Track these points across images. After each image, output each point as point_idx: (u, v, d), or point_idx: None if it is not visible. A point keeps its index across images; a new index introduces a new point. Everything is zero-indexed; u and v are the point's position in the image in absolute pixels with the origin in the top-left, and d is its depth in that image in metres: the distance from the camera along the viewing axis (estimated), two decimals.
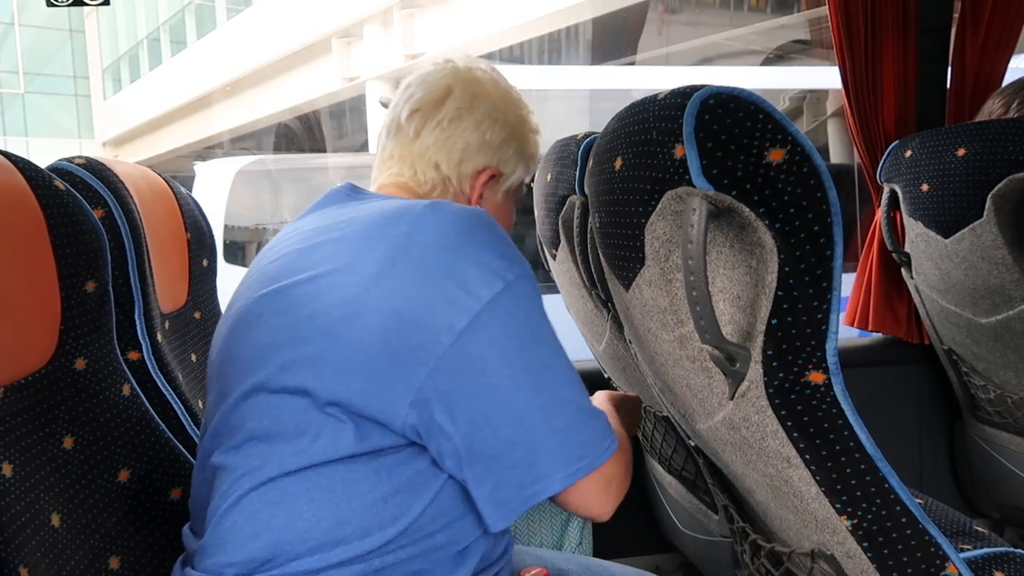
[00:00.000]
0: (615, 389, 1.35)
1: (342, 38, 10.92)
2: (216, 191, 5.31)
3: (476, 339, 0.68)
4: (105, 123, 19.67)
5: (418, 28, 9.82)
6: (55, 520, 0.76)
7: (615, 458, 0.75)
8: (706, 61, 8.95)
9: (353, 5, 10.47)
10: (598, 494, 0.74)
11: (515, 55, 10.00)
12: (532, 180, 1.15)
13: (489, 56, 9.86)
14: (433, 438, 0.69)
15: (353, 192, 0.88)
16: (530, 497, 0.71)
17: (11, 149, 0.82)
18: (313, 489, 0.70)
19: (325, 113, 13.15)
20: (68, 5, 1.54)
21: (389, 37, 10.18)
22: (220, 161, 5.92)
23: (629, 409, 1.06)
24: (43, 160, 1.01)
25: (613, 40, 9.42)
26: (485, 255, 0.70)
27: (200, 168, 5.70)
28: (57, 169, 1.01)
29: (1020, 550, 1.02)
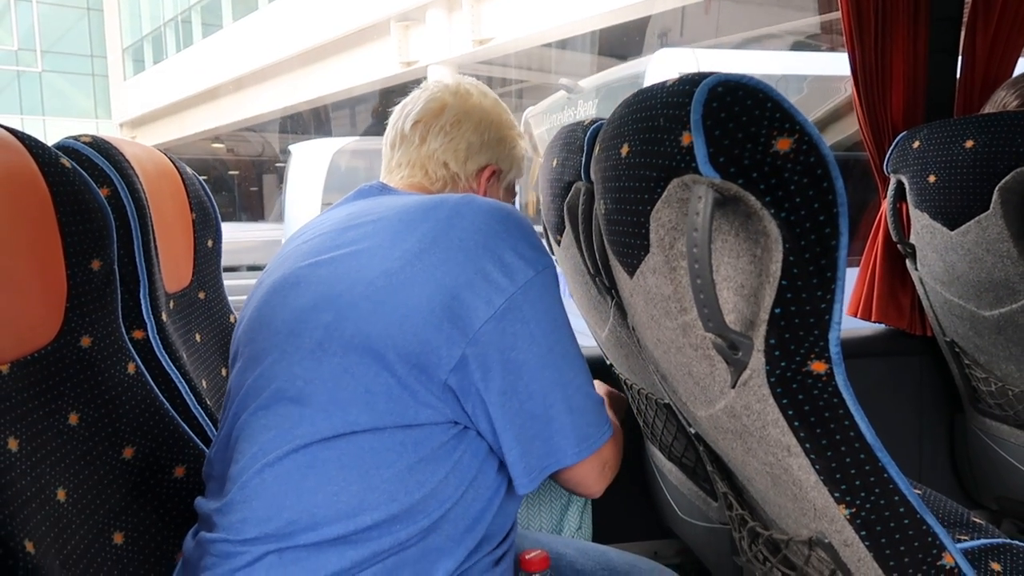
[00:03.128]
0: (617, 376, 1.36)
1: (401, 22, 10.80)
2: (314, 170, 5.36)
3: (510, 317, 0.75)
4: (124, 104, 19.53)
5: (485, 14, 9.74)
6: (61, 495, 0.77)
7: (610, 443, 0.84)
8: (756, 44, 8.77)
9: None
10: (595, 475, 0.83)
11: (567, 46, 10.13)
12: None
13: (547, 45, 9.98)
14: (470, 400, 0.76)
15: (384, 188, 0.97)
16: (547, 467, 0.80)
17: (28, 128, 0.82)
18: (344, 456, 0.74)
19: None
20: None
21: (454, 22, 10.07)
22: (315, 142, 5.99)
23: (618, 406, 1.16)
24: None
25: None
26: (520, 244, 0.78)
27: (296, 148, 5.74)
28: (64, 147, 1.01)
29: (1017, 541, 1.03)
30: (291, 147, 5.89)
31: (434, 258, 0.75)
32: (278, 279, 0.85)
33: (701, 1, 8.61)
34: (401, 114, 1.03)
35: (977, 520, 1.11)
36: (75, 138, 1.04)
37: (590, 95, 4.22)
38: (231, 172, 18.62)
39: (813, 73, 3.85)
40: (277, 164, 17.92)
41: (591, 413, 0.81)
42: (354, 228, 0.84)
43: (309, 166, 5.53)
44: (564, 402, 0.78)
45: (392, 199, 0.90)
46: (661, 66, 3.70)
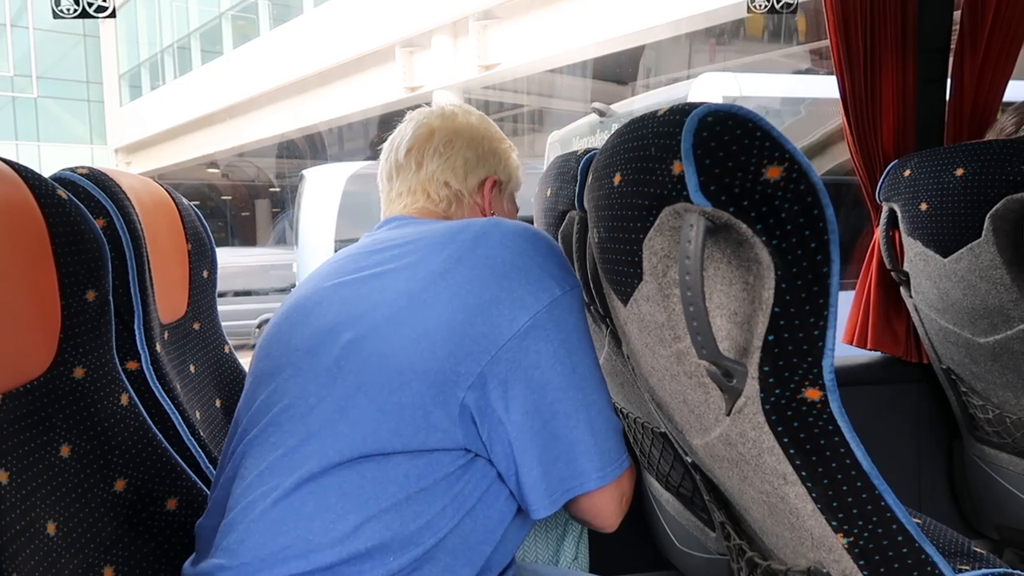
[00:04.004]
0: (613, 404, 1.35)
1: (405, 48, 10.98)
2: (329, 194, 5.40)
3: (534, 335, 0.75)
4: (120, 129, 19.62)
5: (491, 40, 9.94)
6: (51, 528, 0.76)
7: (629, 473, 0.83)
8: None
9: (419, 16, 10.56)
10: (614, 505, 0.82)
11: (573, 71, 10.28)
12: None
13: (554, 71, 10.24)
14: (487, 422, 0.75)
15: (410, 219, 0.97)
16: (569, 490, 0.78)
17: (23, 154, 0.83)
18: (346, 484, 0.73)
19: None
20: (75, 17, 1.55)
21: (460, 48, 10.28)
22: (329, 166, 6.05)
23: None
24: (56, 166, 1.03)
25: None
26: (547, 263, 0.78)
27: (309, 173, 5.79)
28: (60, 179, 1.02)
29: (1019, 572, 1.02)
30: (305, 172, 5.92)
31: (459, 276, 0.76)
32: (299, 298, 0.86)
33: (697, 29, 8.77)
34: (392, 147, 1.04)
35: (978, 550, 1.10)
36: (72, 169, 1.04)
37: (626, 119, 4.20)
38: (223, 197, 18.70)
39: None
40: (271, 189, 18.03)
41: (613, 438, 0.80)
42: (379, 252, 0.84)
43: (323, 190, 5.57)
44: (588, 424, 0.77)
45: (419, 226, 0.90)
46: (704, 89, 3.70)
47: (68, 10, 1.54)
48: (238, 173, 18.63)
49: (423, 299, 0.75)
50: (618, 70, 10.18)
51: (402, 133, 1.03)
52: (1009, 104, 1.58)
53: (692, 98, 3.69)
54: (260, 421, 0.79)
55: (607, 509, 0.81)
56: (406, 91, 11.19)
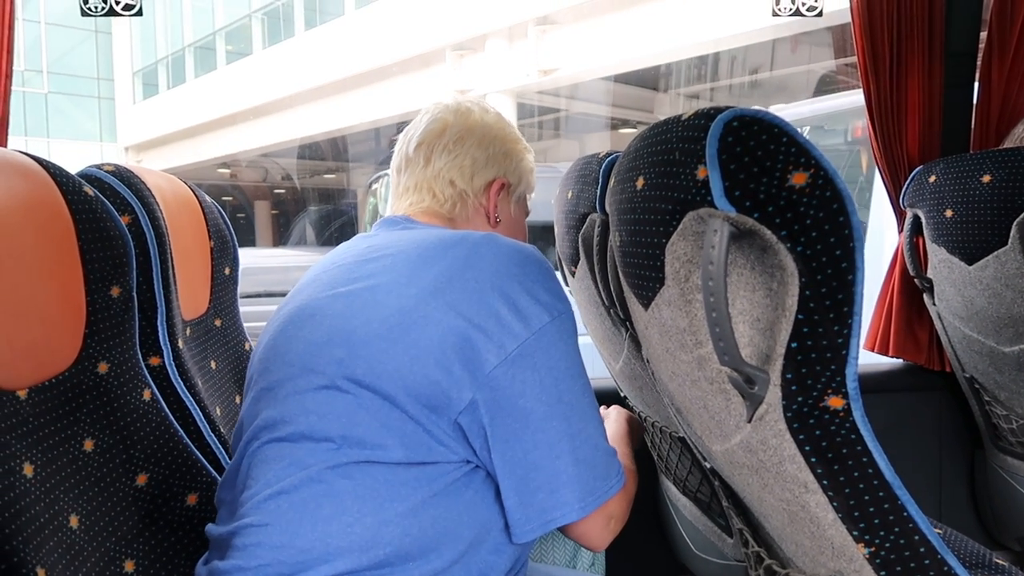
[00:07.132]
0: (631, 408, 1.35)
1: (457, 50, 11.02)
2: None
3: (521, 363, 0.74)
4: (132, 127, 19.71)
5: (549, 45, 9.94)
6: (73, 522, 0.77)
7: (619, 496, 0.81)
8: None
9: (473, 19, 10.60)
10: (599, 529, 0.81)
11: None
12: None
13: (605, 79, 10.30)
14: (477, 440, 0.76)
15: (407, 221, 0.96)
16: (549, 522, 0.77)
17: (32, 150, 0.84)
18: (359, 487, 0.74)
19: None
20: (102, 15, 1.56)
21: (515, 52, 10.28)
22: None
23: (635, 434, 1.14)
24: (66, 162, 1.04)
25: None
26: (535, 288, 0.77)
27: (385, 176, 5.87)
28: (87, 175, 1.03)
29: None
30: (381, 174, 5.97)
31: (449, 298, 0.75)
32: (295, 309, 0.85)
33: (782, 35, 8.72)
34: (404, 139, 1.03)
35: (1000, 562, 1.08)
36: (98, 166, 1.06)
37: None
38: (224, 198, 18.71)
39: None
40: (275, 191, 18.07)
41: (600, 466, 0.79)
42: (373, 261, 0.84)
43: None
44: (571, 454, 0.76)
45: (413, 233, 0.90)
46: None
47: (96, 8, 1.55)
48: (249, 174, 18.68)
49: (414, 318, 0.75)
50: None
51: (415, 126, 1.02)
52: None
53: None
54: (263, 436, 0.79)
55: (591, 533, 0.81)
56: (456, 94, 11.18)
